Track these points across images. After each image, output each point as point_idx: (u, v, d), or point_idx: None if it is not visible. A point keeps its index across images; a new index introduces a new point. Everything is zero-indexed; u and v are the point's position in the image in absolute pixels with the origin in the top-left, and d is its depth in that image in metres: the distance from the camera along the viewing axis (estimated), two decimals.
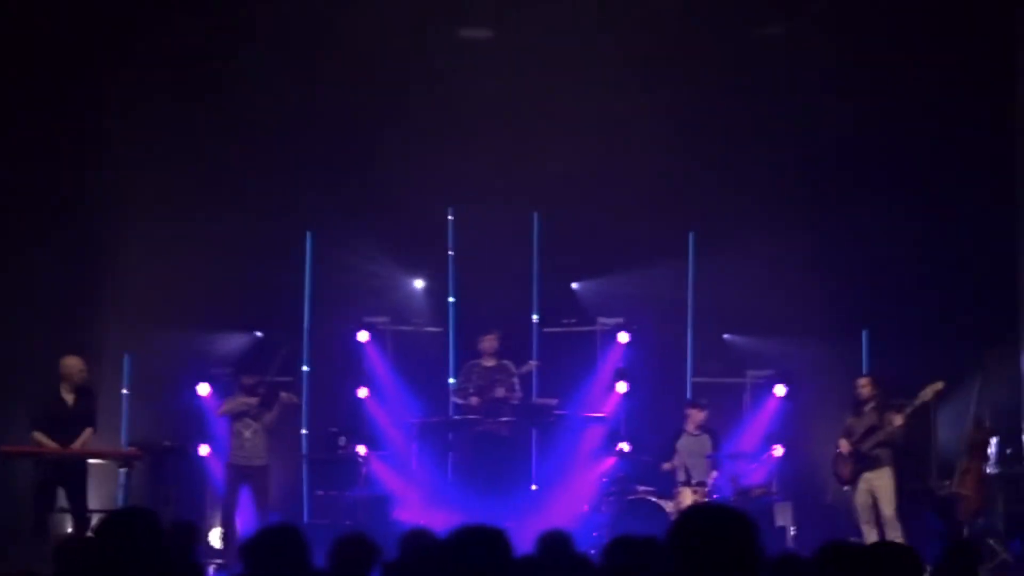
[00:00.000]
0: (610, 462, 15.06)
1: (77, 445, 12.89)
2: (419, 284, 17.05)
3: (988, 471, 14.11)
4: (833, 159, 15.78)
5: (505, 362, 15.20)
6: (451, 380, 15.71)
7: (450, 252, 16.75)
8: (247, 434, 14.13)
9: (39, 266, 14.81)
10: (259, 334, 16.42)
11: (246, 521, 14.23)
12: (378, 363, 16.32)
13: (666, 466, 14.60)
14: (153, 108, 15.20)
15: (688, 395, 15.87)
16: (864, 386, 13.89)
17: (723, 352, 16.64)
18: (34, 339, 14.44)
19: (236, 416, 14.19)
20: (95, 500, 13.39)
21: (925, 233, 15.37)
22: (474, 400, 14.92)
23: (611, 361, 16.26)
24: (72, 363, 13.06)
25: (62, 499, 12.82)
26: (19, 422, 13.18)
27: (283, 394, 14.34)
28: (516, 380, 15.09)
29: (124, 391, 15.38)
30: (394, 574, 6.45)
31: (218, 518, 14.55)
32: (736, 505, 13.59)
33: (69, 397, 13.00)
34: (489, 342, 15.19)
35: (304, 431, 16.06)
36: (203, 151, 15.45)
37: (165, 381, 15.40)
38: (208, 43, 15.27)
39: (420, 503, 14.56)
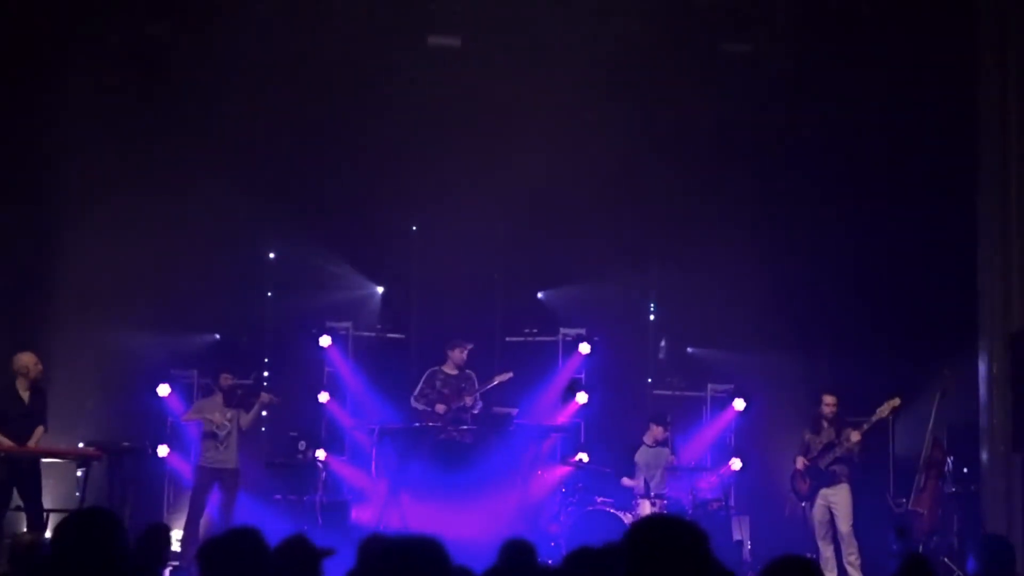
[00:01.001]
0: (569, 472, 15.08)
1: (32, 444, 12.83)
2: (380, 290, 17.06)
3: (944, 489, 14.21)
4: (796, 175, 15.86)
5: (468, 372, 15.18)
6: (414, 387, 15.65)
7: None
8: (221, 435, 14.07)
9: None
10: (217, 336, 16.37)
11: (210, 526, 14.19)
12: (339, 368, 16.30)
13: (626, 482, 14.62)
14: (113, 106, 15.08)
15: (649, 407, 15.89)
16: (830, 404, 13.96)
17: (684, 365, 16.71)
18: None
19: (209, 420, 14.10)
20: (53, 499, 13.34)
21: (885, 250, 15.50)
22: (440, 408, 14.88)
23: (572, 372, 16.29)
24: (27, 359, 12.99)
25: (16, 499, 12.75)
26: None
27: (264, 395, 14.29)
28: (478, 392, 15.05)
29: (82, 390, 15.26)
30: None
31: (180, 520, 14.47)
32: (693, 518, 13.66)
33: (25, 395, 12.94)
34: (461, 353, 15.11)
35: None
36: (164, 151, 15.33)
37: (124, 381, 15.30)
38: (173, 43, 15.21)
39: (380, 509, 14.52)
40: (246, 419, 14.20)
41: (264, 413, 14.87)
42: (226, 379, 14.30)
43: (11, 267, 14.99)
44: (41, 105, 14.96)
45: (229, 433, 14.10)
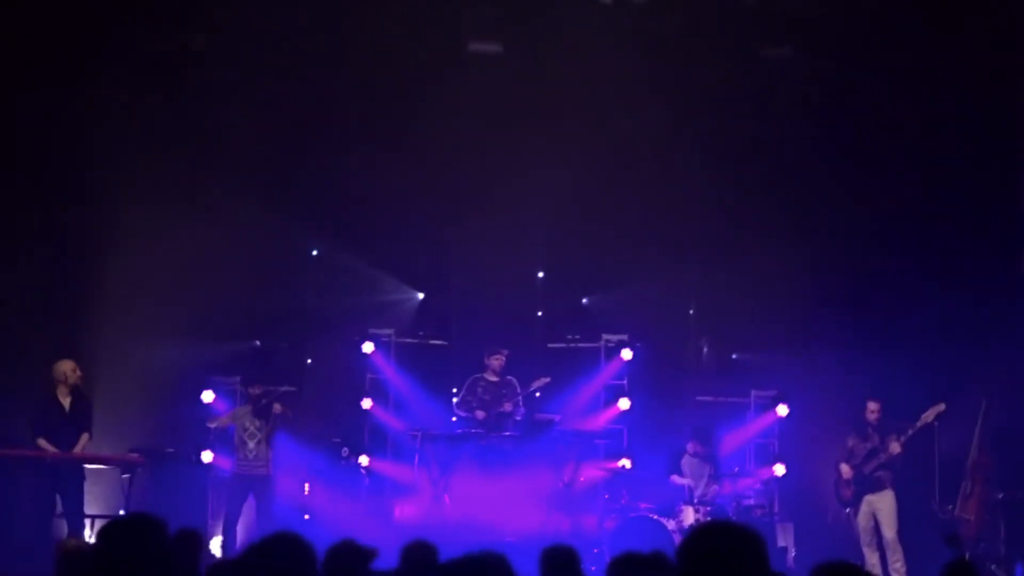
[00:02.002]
0: (612, 479, 15.03)
1: (77, 450, 12.94)
2: (420, 296, 17.09)
3: (992, 495, 14.07)
4: (838, 178, 15.76)
5: (510, 378, 15.18)
6: (454, 392, 15.65)
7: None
8: (251, 444, 14.11)
9: (39, 271, 14.82)
10: (257, 343, 16.43)
11: (247, 531, 14.24)
12: (384, 373, 16.31)
13: (676, 480, 14.53)
14: (153, 113, 15.11)
15: (692, 413, 15.81)
16: (874, 411, 13.85)
17: (728, 370, 16.63)
18: (32, 343, 14.43)
19: (241, 426, 14.17)
20: (97, 505, 13.45)
21: (930, 253, 15.38)
22: (480, 414, 14.90)
23: (614, 378, 16.25)
24: (65, 367, 13.13)
25: (60, 505, 12.87)
26: (15, 427, 13.21)
27: (276, 405, 14.31)
28: (520, 397, 15.05)
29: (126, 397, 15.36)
30: None
31: (219, 526, 14.54)
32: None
33: (66, 401, 13.08)
34: (497, 360, 15.14)
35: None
36: (207, 160, 15.41)
37: (168, 388, 15.38)
38: (213, 50, 15.24)
39: (422, 515, 14.53)
40: (270, 429, 14.21)
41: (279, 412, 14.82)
42: (255, 388, 14.33)
43: (53, 274, 15.08)
44: (79, 113, 15.02)
45: (260, 441, 14.13)
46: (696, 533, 4.26)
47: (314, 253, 16.89)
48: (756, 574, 4.12)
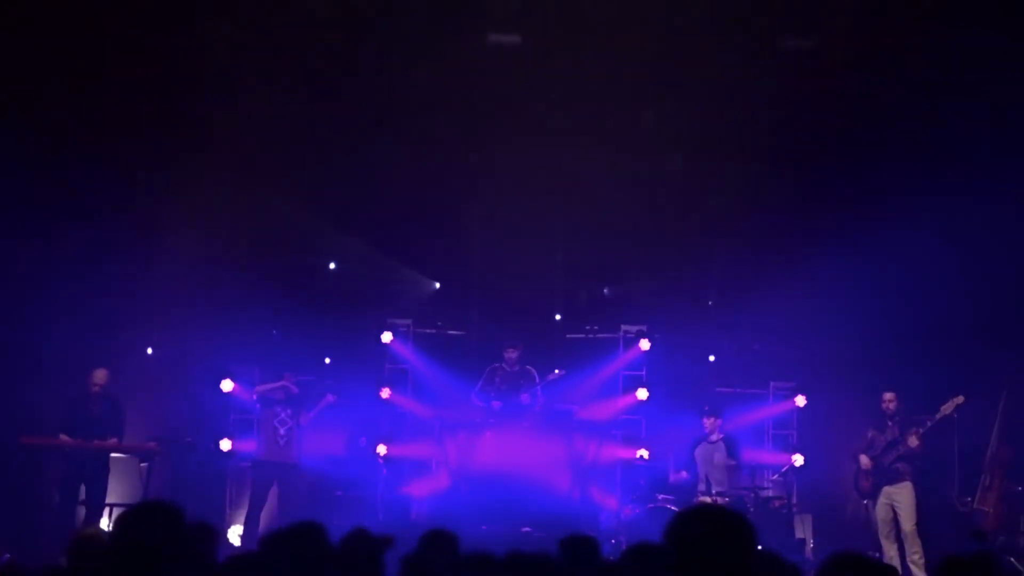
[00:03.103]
0: (630, 469, 15.04)
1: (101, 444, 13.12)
2: (438, 286, 17.13)
3: (1012, 488, 14.03)
4: (858, 171, 15.68)
5: (528, 368, 15.21)
6: (474, 383, 15.66)
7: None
8: (282, 431, 14.17)
9: (67, 262, 14.89)
10: (275, 332, 16.48)
11: (272, 520, 14.30)
12: (400, 364, 16.35)
13: (673, 477, 14.54)
14: (175, 111, 15.08)
15: (710, 405, 15.80)
16: (890, 401, 13.82)
17: (746, 362, 16.61)
18: (59, 335, 14.51)
19: (270, 411, 14.21)
20: (118, 494, 13.58)
21: (950, 243, 15.30)
22: (496, 404, 14.95)
23: (633, 368, 16.25)
24: (98, 375, 13.44)
25: (83, 494, 13.01)
26: (48, 424, 13.39)
27: (329, 395, 14.41)
28: (539, 388, 15.07)
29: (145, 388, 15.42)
30: (412, 567, 6.46)
31: (239, 515, 14.59)
32: (754, 516, 13.58)
33: (96, 404, 13.30)
34: (512, 353, 15.21)
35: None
36: (226, 156, 15.36)
37: (187, 377, 15.44)
38: (224, 45, 15.18)
39: (440, 504, 14.56)
40: (306, 416, 14.28)
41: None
42: (289, 378, 14.40)
43: (80, 269, 15.11)
44: (116, 108, 14.98)
45: (290, 429, 14.19)
46: (682, 517, 4.25)
47: (332, 267, 16.95)
48: (739, 557, 4.12)
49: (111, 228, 15.11)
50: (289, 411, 14.23)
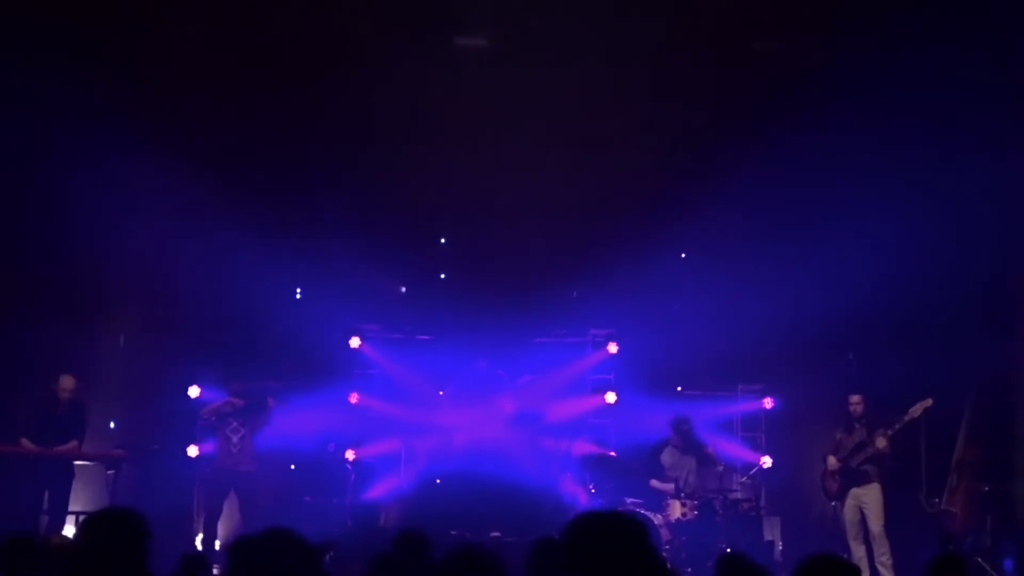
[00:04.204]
0: (599, 471, 15.03)
1: (61, 449, 12.99)
2: (407, 291, 17.09)
3: (979, 489, 14.09)
4: (827, 170, 15.71)
5: (499, 372, 15.19)
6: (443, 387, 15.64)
7: (442, 276, 16.89)
8: (235, 439, 14.08)
9: (32, 268, 14.78)
10: (243, 338, 16.41)
11: (232, 527, 14.22)
12: (368, 369, 16.30)
13: (655, 484, 14.54)
14: (145, 112, 14.99)
15: (679, 407, 15.80)
16: (857, 403, 13.86)
17: (714, 365, 16.62)
18: (33, 345, 14.41)
19: (223, 421, 14.13)
20: (84, 502, 13.44)
21: (917, 245, 15.36)
22: (468, 410, 14.92)
23: (601, 371, 16.26)
24: (66, 381, 13.28)
25: (47, 502, 12.91)
26: (12, 430, 13.29)
27: (268, 400, 14.30)
28: (508, 392, 15.06)
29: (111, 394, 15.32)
30: (384, 567, 6.44)
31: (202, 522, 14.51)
32: (723, 518, 13.60)
33: (61, 409, 13.15)
34: (480, 361, 15.21)
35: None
36: (188, 157, 15.23)
37: (154, 384, 15.33)
38: (196, 42, 15.09)
39: (409, 509, 14.51)
40: (254, 423, 14.17)
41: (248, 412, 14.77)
42: (238, 385, 14.32)
43: (39, 274, 14.99)
44: (82, 110, 14.88)
45: (243, 437, 14.10)
46: (576, 520, 4.24)
47: (297, 295, 16.91)
48: (634, 559, 4.10)
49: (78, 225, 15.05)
50: (240, 419, 14.13)
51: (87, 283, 15.27)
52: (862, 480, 13.64)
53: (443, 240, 16.89)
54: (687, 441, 14.58)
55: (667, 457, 14.64)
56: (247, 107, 15.29)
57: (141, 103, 14.69)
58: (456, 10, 15.01)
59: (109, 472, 13.38)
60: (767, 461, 15.04)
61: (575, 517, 4.27)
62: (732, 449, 15.77)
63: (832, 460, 13.83)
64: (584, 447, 15.47)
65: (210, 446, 14.57)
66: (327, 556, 6.05)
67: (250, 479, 14.11)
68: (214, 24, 14.56)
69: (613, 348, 16.07)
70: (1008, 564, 13.46)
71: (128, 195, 15.03)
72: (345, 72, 15.17)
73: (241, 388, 14.30)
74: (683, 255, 16.69)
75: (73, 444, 13.19)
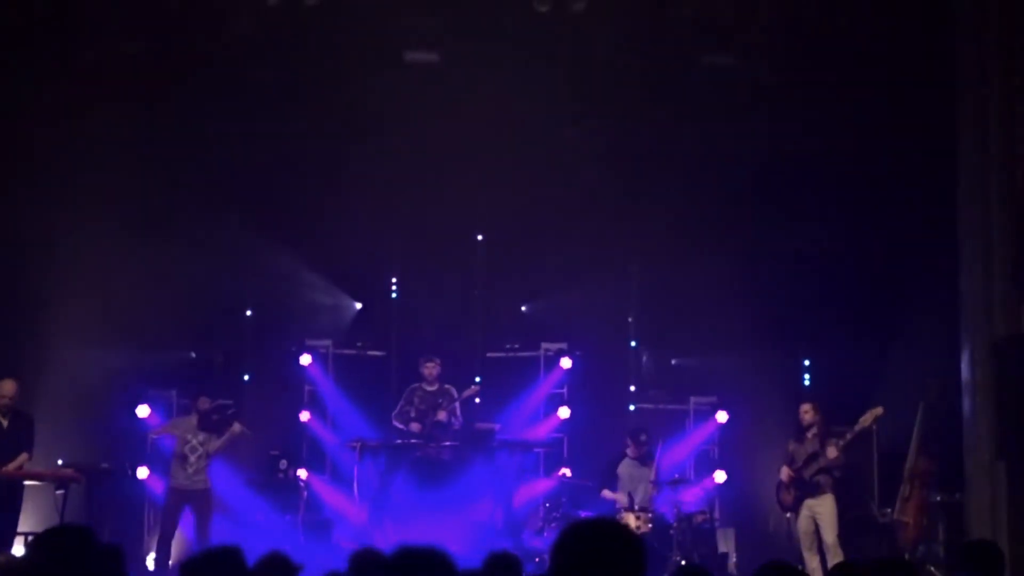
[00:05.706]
0: (552, 487, 15.01)
1: (11, 468, 12.74)
2: (359, 307, 17.01)
3: (930, 498, 14.16)
4: (777, 182, 15.78)
5: (447, 387, 15.13)
6: (395, 404, 15.55)
7: (393, 281, 16.83)
8: (192, 458, 13.91)
9: None
10: (192, 354, 16.27)
11: (185, 546, 14.07)
12: (320, 386, 16.21)
13: (607, 494, 14.53)
14: (91, 124, 14.86)
15: (632, 421, 15.81)
16: (807, 412, 13.90)
17: (666, 377, 16.66)
18: None
19: (182, 440, 13.95)
20: (32, 522, 13.22)
21: (868, 256, 15.48)
22: (415, 426, 14.85)
23: (554, 386, 16.24)
24: (6, 387, 12.90)
25: None
26: None
27: (236, 425, 14.10)
28: (458, 405, 15.01)
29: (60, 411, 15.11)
30: None
31: (155, 541, 14.34)
32: (678, 531, 13.60)
33: (4, 421, 12.86)
34: (430, 368, 15.12)
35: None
36: (139, 170, 15.12)
37: (103, 401, 15.15)
38: (149, 59, 15.00)
39: (362, 527, 14.42)
40: (214, 445, 13.99)
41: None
42: (204, 402, 14.13)
43: None
44: (24, 115, 14.75)
45: (200, 456, 13.95)
46: (566, 531, 4.19)
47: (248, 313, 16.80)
48: (624, 572, 4.06)
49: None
50: (201, 437, 13.97)
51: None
52: (815, 491, 13.68)
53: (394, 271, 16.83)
54: (644, 454, 14.59)
55: (624, 469, 14.64)
56: (197, 123, 15.20)
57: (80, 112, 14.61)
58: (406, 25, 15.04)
59: (58, 492, 13.19)
60: (721, 476, 15.11)
61: (566, 529, 4.21)
62: (686, 462, 15.79)
63: (786, 471, 13.87)
64: (535, 469, 15.47)
65: (160, 467, 14.42)
66: None
67: (206, 497, 13.96)
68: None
69: (566, 363, 16.05)
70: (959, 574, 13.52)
71: (72, 209, 14.90)
72: (294, 88, 15.16)
73: (210, 408, 14.12)
74: (634, 267, 16.67)
75: (23, 457, 12.93)
